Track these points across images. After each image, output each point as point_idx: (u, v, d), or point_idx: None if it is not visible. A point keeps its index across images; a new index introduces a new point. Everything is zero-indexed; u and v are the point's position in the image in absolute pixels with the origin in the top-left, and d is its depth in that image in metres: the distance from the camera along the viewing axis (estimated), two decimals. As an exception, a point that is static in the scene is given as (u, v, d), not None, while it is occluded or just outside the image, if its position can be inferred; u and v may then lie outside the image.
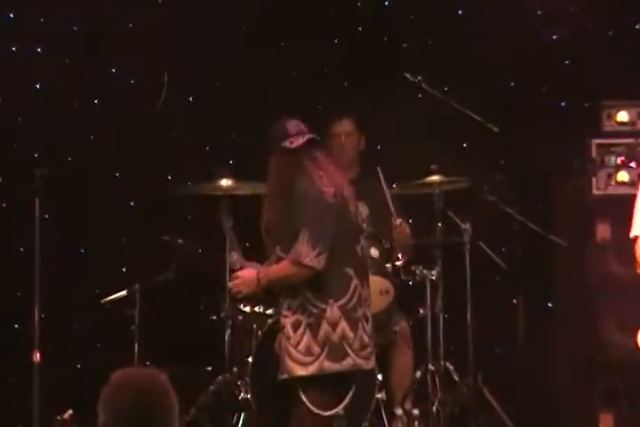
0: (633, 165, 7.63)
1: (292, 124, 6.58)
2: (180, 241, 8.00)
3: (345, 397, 6.49)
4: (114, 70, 9.00)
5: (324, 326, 6.43)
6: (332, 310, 6.40)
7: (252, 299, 7.18)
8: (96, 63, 8.89)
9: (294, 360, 6.47)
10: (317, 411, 6.46)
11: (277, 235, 6.53)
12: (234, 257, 6.81)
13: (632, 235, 5.99)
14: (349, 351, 6.41)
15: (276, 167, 6.57)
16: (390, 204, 7.78)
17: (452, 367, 7.81)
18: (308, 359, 6.47)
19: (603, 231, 7.75)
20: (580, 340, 7.94)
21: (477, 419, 7.70)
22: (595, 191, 7.76)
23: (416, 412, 7.53)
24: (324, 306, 6.44)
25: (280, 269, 6.46)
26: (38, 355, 7.55)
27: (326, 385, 6.50)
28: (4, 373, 8.27)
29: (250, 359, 7.53)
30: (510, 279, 8.24)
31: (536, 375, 8.21)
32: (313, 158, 6.56)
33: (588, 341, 7.83)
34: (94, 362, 8.54)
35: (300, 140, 6.52)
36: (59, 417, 7.53)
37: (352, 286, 6.44)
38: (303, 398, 6.46)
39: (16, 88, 8.92)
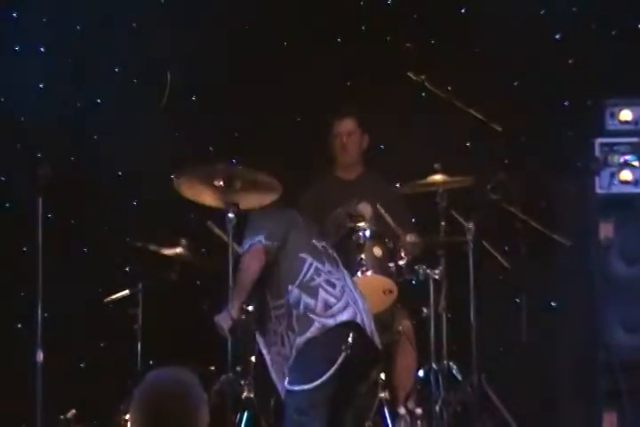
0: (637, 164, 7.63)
1: None
2: (183, 241, 7.94)
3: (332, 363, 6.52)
4: (117, 69, 8.89)
5: (293, 311, 6.60)
6: (293, 293, 6.59)
7: (242, 327, 7.18)
8: (98, 63, 8.76)
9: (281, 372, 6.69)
10: (298, 387, 6.56)
11: None
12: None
13: None
14: (312, 317, 6.54)
15: None
16: (391, 223, 7.79)
17: (455, 367, 7.77)
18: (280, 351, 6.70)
19: (606, 230, 7.73)
20: (583, 339, 7.93)
21: (481, 419, 7.65)
22: (598, 190, 7.74)
23: (419, 411, 7.50)
24: (284, 298, 6.62)
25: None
26: (41, 354, 7.47)
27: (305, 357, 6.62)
28: (7, 372, 8.26)
29: (253, 359, 7.57)
30: (513, 278, 8.15)
31: (539, 375, 8.17)
32: None
33: (592, 340, 7.81)
34: (97, 361, 8.60)
35: None
36: (62, 417, 7.67)
37: (306, 264, 6.65)
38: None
39: (19, 87, 8.83)
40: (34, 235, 7.48)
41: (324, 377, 6.50)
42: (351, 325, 6.62)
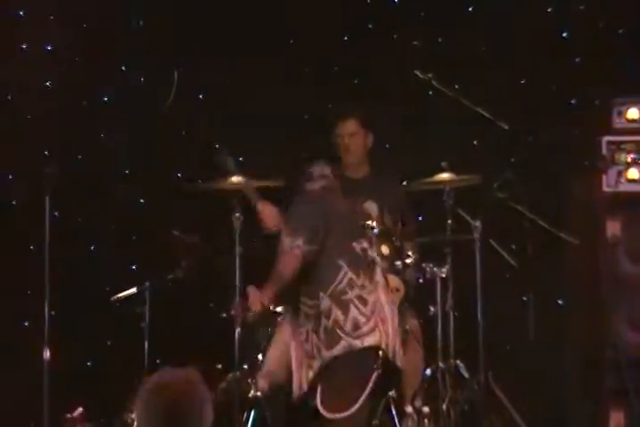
0: None
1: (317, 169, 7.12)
2: (191, 239, 8.03)
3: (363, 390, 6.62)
4: (124, 68, 8.90)
5: (321, 318, 6.71)
6: (324, 299, 6.70)
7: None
8: (106, 61, 8.78)
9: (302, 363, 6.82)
10: (329, 415, 6.66)
11: None
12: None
13: None
14: (340, 334, 6.65)
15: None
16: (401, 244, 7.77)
17: (462, 365, 7.75)
18: (307, 353, 6.77)
19: (613, 228, 7.74)
20: (590, 338, 7.91)
21: (488, 417, 7.65)
22: (605, 189, 7.74)
23: (426, 410, 7.45)
24: (316, 301, 6.69)
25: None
26: (48, 352, 7.59)
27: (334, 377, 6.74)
28: (14, 371, 8.22)
29: (260, 357, 7.55)
30: (520, 277, 8.20)
31: (546, 373, 8.22)
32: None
33: (599, 339, 7.80)
34: (104, 360, 8.61)
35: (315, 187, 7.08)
36: (69, 415, 7.70)
37: (341, 272, 6.75)
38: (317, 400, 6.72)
39: (26, 86, 8.88)
40: (41, 233, 7.57)
41: (357, 405, 6.62)
42: (376, 349, 6.72)
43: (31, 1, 8.94)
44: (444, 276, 7.80)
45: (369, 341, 6.69)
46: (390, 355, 6.79)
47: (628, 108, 7.82)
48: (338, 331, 6.69)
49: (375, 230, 7.20)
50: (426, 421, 7.49)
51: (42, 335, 7.64)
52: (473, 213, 7.85)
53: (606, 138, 7.79)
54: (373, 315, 6.75)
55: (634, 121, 7.79)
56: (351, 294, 6.75)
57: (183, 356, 7.75)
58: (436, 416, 7.54)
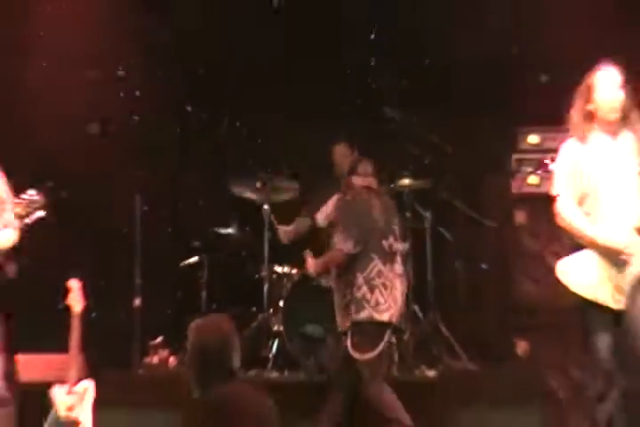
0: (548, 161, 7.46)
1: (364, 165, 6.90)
2: (234, 226, 8.24)
3: (380, 342, 6.52)
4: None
5: (353, 290, 6.57)
6: (357, 279, 6.55)
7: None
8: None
9: (341, 315, 6.62)
10: (359, 356, 6.48)
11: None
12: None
13: (554, 193, 5.74)
14: (366, 306, 6.51)
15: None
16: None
17: (417, 309, 7.92)
18: (345, 314, 6.60)
19: (519, 217, 7.71)
20: (503, 291, 7.93)
21: (436, 344, 7.81)
22: (514, 190, 7.72)
23: (392, 339, 7.21)
24: (354, 277, 6.58)
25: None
26: (138, 301, 7.81)
27: (359, 332, 6.55)
28: (113, 314, 8.20)
29: (281, 303, 7.78)
30: (456, 249, 8.26)
31: (475, 315, 8.15)
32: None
33: (509, 291, 7.79)
34: (176, 306, 8.64)
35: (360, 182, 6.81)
36: (152, 342, 7.80)
37: (373, 263, 6.55)
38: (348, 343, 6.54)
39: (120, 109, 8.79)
40: (133, 221, 7.79)
41: (376, 351, 6.52)
42: (388, 323, 6.56)
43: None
44: (405, 250, 7.47)
45: (384, 316, 6.52)
46: (397, 323, 6.62)
47: (529, 135, 7.76)
48: (364, 303, 6.51)
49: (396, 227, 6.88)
50: (393, 347, 7.37)
51: (134, 289, 7.86)
52: (424, 207, 8.02)
53: (514, 156, 7.76)
54: (389, 297, 6.55)
55: (533, 144, 7.73)
56: (377, 282, 6.54)
57: (229, 303, 8.12)
58: (399, 343, 7.53)
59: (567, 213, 5.57)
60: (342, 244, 6.59)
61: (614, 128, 5.59)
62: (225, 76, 8.64)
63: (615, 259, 5.45)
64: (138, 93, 8.82)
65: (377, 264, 6.60)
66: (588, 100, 5.55)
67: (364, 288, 6.56)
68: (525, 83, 8.46)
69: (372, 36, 8.90)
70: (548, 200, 6.45)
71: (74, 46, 8.49)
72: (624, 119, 5.58)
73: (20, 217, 5.82)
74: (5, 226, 5.80)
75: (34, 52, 8.49)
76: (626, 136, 5.61)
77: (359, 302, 6.55)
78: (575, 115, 5.60)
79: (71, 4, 8.53)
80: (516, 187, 7.72)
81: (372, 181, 6.87)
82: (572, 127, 5.63)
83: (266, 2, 8.84)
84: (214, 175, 8.72)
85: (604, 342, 5.48)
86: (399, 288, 6.68)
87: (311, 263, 6.82)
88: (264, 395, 4.26)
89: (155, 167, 8.52)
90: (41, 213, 5.83)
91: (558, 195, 5.65)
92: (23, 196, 5.85)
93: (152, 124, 8.82)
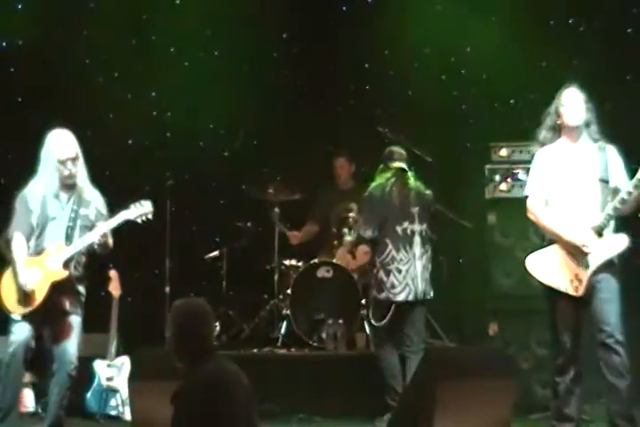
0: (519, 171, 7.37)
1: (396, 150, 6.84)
2: (249, 224, 8.28)
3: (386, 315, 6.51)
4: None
5: (375, 271, 6.62)
6: (377, 265, 6.61)
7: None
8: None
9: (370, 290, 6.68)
10: (374, 322, 6.61)
11: None
12: None
13: (525, 193, 5.68)
14: (383, 288, 6.53)
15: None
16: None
17: None
18: (370, 291, 6.69)
19: (491, 218, 7.53)
20: (478, 281, 7.78)
21: None
22: (487, 195, 7.54)
23: None
24: (374, 261, 6.65)
25: None
26: (168, 288, 7.80)
27: (377, 306, 6.60)
28: (146, 299, 8.13)
29: (289, 291, 7.77)
30: (438, 246, 7.58)
31: (454, 302, 8.10)
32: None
33: (483, 281, 7.59)
34: (201, 292, 8.10)
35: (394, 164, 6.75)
36: None
37: (387, 249, 6.53)
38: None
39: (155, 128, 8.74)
40: (164, 221, 7.76)
41: (384, 322, 6.53)
42: (403, 302, 6.53)
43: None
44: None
45: (399, 297, 6.51)
46: (418, 297, 6.56)
47: (500, 149, 7.55)
48: (381, 284, 6.53)
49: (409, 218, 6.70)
50: None
51: (165, 278, 7.93)
52: None
53: (487, 166, 7.56)
54: (405, 278, 6.51)
55: (503, 157, 7.55)
56: (391, 267, 6.51)
57: (245, 290, 8.16)
58: None
59: (536, 210, 5.55)
60: (363, 230, 6.61)
61: (577, 134, 5.57)
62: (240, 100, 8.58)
63: (576, 252, 5.42)
64: (169, 113, 8.85)
65: (391, 250, 6.54)
66: (558, 114, 5.56)
67: (382, 272, 6.53)
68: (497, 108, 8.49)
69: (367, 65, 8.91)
70: (517, 204, 6.47)
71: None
72: (586, 128, 5.59)
73: (133, 217, 5.86)
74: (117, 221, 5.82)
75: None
76: (587, 145, 5.58)
77: (379, 284, 6.54)
78: (546, 128, 5.61)
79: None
80: (488, 192, 7.57)
81: (402, 165, 6.80)
82: (542, 138, 5.64)
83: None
84: (232, 182, 8.70)
85: (565, 324, 5.45)
86: (419, 267, 6.59)
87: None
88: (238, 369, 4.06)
89: (182, 176, 8.45)
90: (149, 216, 5.91)
91: (529, 195, 5.62)
92: (137, 203, 5.90)
93: (181, 139, 8.80)
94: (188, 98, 8.64)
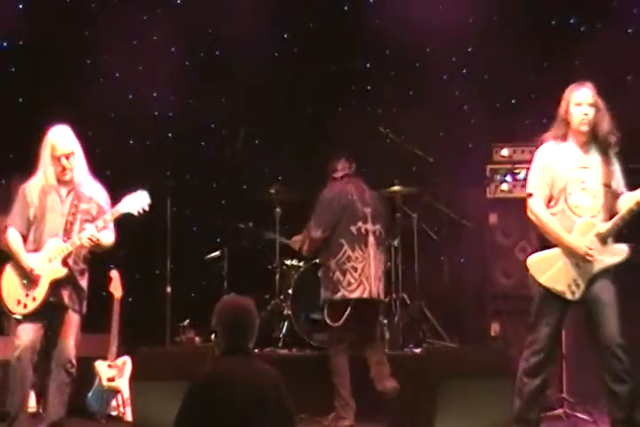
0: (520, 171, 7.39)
1: (340, 163, 6.94)
2: (250, 224, 8.25)
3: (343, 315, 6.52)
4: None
5: (329, 273, 6.62)
6: (331, 264, 6.60)
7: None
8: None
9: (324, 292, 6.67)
10: (330, 322, 6.61)
11: None
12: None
13: (527, 191, 5.52)
14: (340, 287, 6.56)
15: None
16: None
17: (406, 296, 7.85)
18: (323, 293, 6.67)
19: (492, 218, 7.57)
20: (479, 281, 7.81)
21: (420, 326, 7.78)
22: (488, 195, 7.56)
23: (385, 322, 7.52)
24: (328, 263, 6.64)
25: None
26: (169, 288, 7.77)
27: (334, 307, 6.61)
28: (147, 300, 8.14)
29: (290, 291, 7.75)
30: (439, 246, 8.18)
31: (455, 301, 8.11)
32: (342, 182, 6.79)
33: (485, 281, 7.66)
34: (201, 292, 8.58)
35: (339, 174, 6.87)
36: (181, 324, 7.81)
37: (343, 249, 6.56)
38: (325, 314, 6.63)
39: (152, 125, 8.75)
40: (164, 221, 7.74)
41: (341, 322, 6.54)
42: (359, 299, 6.55)
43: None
44: (395, 245, 7.85)
45: (354, 294, 6.55)
46: (372, 295, 6.61)
47: (501, 149, 7.59)
48: (338, 284, 6.57)
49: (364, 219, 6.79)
50: (385, 328, 7.51)
51: (165, 278, 7.82)
52: (412, 209, 7.96)
53: (489, 166, 7.62)
54: (360, 276, 6.55)
55: (505, 157, 7.60)
56: (347, 266, 6.56)
57: (246, 290, 8.21)
58: (391, 326, 7.61)
59: (538, 211, 5.41)
60: (314, 233, 6.63)
61: (585, 140, 5.44)
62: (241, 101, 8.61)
63: (576, 256, 5.35)
64: (171, 114, 8.81)
65: (346, 250, 6.57)
66: (566, 111, 5.42)
67: (338, 273, 6.56)
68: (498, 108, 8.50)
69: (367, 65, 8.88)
70: (518, 204, 6.45)
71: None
72: (595, 136, 5.44)
73: (130, 209, 5.80)
74: (105, 227, 5.79)
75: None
76: (595, 154, 5.46)
77: (335, 285, 6.56)
78: (556, 121, 5.45)
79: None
80: (489, 192, 7.59)
81: (348, 171, 6.88)
82: (552, 130, 5.47)
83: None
84: (233, 182, 8.70)
85: (550, 325, 5.36)
86: (373, 267, 6.61)
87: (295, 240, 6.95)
88: (266, 371, 4.03)
89: (182, 176, 8.47)
90: (146, 207, 5.81)
91: (531, 194, 5.47)
92: (134, 194, 5.83)
93: (182, 140, 8.83)
94: (189, 98, 8.70)
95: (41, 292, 5.68)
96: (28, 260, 5.72)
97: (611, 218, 5.35)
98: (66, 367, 5.70)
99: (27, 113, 8.30)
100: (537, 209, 5.42)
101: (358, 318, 6.64)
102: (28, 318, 5.67)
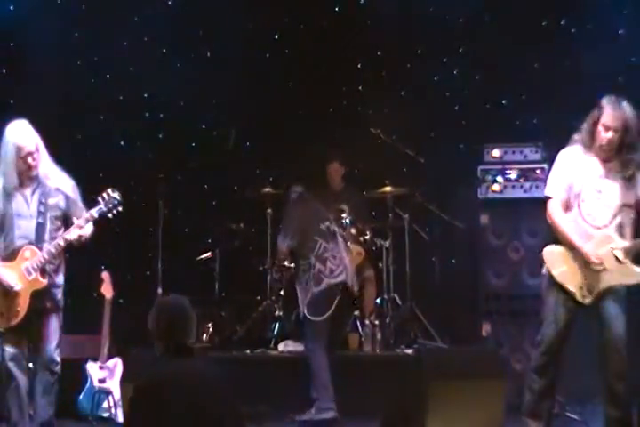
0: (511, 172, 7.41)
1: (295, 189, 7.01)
2: (242, 225, 8.25)
3: (332, 305, 6.61)
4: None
5: (311, 269, 6.67)
6: (312, 261, 6.66)
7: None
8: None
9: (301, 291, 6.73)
10: (313, 318, 6.61)
11: None
12: None
13: (546, 194, 5.44)
14: (322, 277, 6.62)
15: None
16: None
17: (397, 296, 7.89)
18: (305, 288, 6.72)
19: (484, 219, 7.55)
20: (471, 281, 7.79)
21: (412, 327, 7.81)
22: (479, 196, 7.55)
23: (377, 322, 7.57)
24: (308, 261, 6.70)
25: None
26: (160, 290, 7.74)
27: (316, 301, 6.64)
28: (138, 302, 7.66)
29: (282, 292, 7.74)
30: (431, 247, 8.20)
31: (446, 302, 8.02)
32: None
33: (476, 282, 7.64)
34: (193, 294, 8.52)
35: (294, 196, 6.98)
36: None
37: (319, 244, 6.67)
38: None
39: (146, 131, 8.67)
40: (156, 222, 7.76)
41: (328, 314, 6.62)
42: (342, 283, 6.70)
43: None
44: (387, 246, 7.90)
45: (339, 278, 6.66)
46: (350, 284, 6.75)
47: (492, 149, 7.58)
48: (321, 275, 6.66)
49: (347, 220, 7.05)
50: (376, 329, 7.53)
51: (157, 280, 7.86)
52: (403, 210, 7.98)
53: (480, 166, 7.60)
54: (341, 263, 6.68)
55: (496, 157, 7.58)
56: (327, 255, 6.68)
57: (236, 291, 8.11)
58: (382, 326, 7.59)
59: (555, 214, 5.35)
60: (282, 242, 6.82)
61: (608, 156, 5.36)
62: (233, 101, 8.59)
63: (587, 265, 5.32)
64: (162, 115, 8.82)
65: (322, 243, 6.69)
66: (594, 125, 5.30)
67: (318, 264, 6.64)
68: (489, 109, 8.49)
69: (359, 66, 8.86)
70: (509, 205, 6.46)
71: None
72: (619, 155, 5.33)
73: (103, 213, 5.60)
74: (88, 220, 5.59)
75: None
76: (618, 169, 5.36)
77: (318, 276, 6.63)
78: (585, 131, 5.34)
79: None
80: (481, 193, 7.59)
81: (302, 194, 6.98)
82: (579, 138, 5.36)
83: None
84: (225, 183, 8.70)
85: (557, 322, 5.35)
86: (346, 257, 6.74)
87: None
88: (206, 371, 3.96)
89: (174, 178, 8.42)
90: (120, 209, 5.63)
91: (550, 197, 5.42)
92: (105, 194, 5.62)
93: (173, 140, 8.80)
94: (180, 99, 8.65)
95: (23, 305, 5.55)
96: (8, 277, 5.53)
97: (622, 234, 5.32)
98: (50, 367, 5.65)
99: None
100: (554, 212, 5.36)
101: (339, 307, 6.70)
102: (12, 329, 5.59)
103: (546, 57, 8.16)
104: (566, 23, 8.38)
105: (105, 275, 7.19)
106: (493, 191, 7.60)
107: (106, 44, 8.44)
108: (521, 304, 7.05)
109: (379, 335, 7.57)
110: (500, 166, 7.58)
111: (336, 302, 6.66)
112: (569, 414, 6.43)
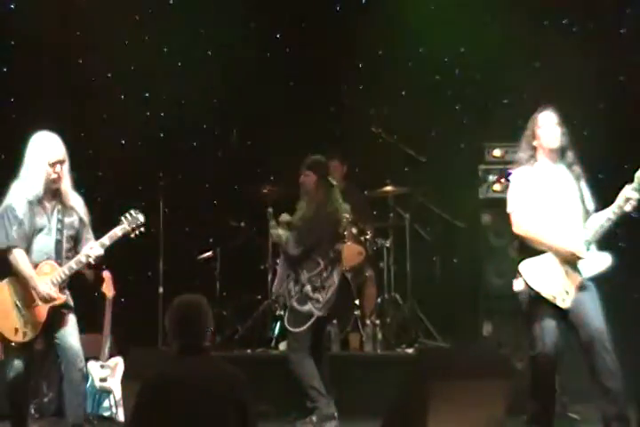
0: (503, 180, 7.36)
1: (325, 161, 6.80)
2: (243, 224, 8.25)
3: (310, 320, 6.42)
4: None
5: (299, 283, 6.48)
6: (304, 281, 6.44)
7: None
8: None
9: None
10: (292, 329, 6.49)
11: None
12: None
13: (508, 210, 5.59)
14: (308, 301, 6.41)
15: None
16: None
17: (398, 296, 7.92)
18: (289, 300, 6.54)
19: (485, 218, 7.60)
20: (472, 281, 7.81)
21: (413, 327, 7.86)
22: (480, 196, 7.63)
23: (377, 322, 7.61)
24: (299, 274, 6.49)
25: None
26: (161, 289, 7.81)
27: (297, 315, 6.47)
28: (141, 300, 8.03)
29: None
30: (432, 246, 8.22)
31: (447, 302, 8.06)
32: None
33: (477, 281, 7.67)
34: (195, 293, 8.67)
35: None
36: None
37: (318, 268, 6.44)
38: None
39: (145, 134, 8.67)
40: (157, 222, 7.72)
41: (307, 325, 6.43)
42: (322, 318, 6.47)
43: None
44: (387, 245, 7.94)
45: (322, 312, 6.43)
46: (327, 313, 6.50)
47: (494, 149, 7.66)
48: (307, 299, 6.45)
49: (349, 218, 6.94)
50: (377, 328, 7.59)
51: (158, 279, 7.87)
52: (404, 209, 8.03)
53: (481, 166, 7.67)
54: (327, 295, 6.43)
55: (497, 157, 7.66)
56: (319, 283, 6.45)
57: (238, 290, 8.13)
58: (383, 326, 7.67)
59: (524, 223, 5.46)
60: (295, 249, 6.49)
61: (555, 156, 5.54)
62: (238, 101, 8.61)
63: (568, 264, 5.37)
64: (162, 114, 8.78)
65: (322, 270, 6.48)
66: (534, 137, 5.54)
67: (308, 287, 6.46)
68: (490, 108, 8.47)
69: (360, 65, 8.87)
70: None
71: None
72: (562, 153, 5.55)
73: (127, 232, 5.60)
74: (112, 238, 5.60)
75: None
76: (565, 168, 5.56)
77: (305, 297, 6.45)
78: (523, 149, 5.59)
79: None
80: (482, 193, 7.63)
81: (331, 180, 6.74)
82: (519, 159, 5.62)
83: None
84: (226, 181, 8.69)
85: (548, 334, 5.36)
86: (336, 280, 6.53)
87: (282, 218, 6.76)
88: (223, 371, 3.91)
89: (174, 176, 8.39)
90: (143, 230, 5.65)
91: (513, 211, 5.55)
92: (128, 214, 5.63)
93: (174, 140, 8.80)
94: (181, 98, 8.64)
95: (40, 321, 5.49)
96: (45, 287, 5.46)
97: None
98: (78, 366, 5.51)
99: (14, 113, 8.33)
100: (523, 222, 5.47)
101: (319, 331, 6.61)
102: (26, 343, 5.53)
103: (547, 56, 8.17)
104: (568, 22, 8.39)
105: (106, 274, 7.20)
106: (494, 191, 7.65)
107: (106, 43, 8.43)
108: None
109: (380, 335, 7.58)
110: (501, 166, 7.57)
111: (308, 325, 6.45)
112: (569, 414, 6.44)
